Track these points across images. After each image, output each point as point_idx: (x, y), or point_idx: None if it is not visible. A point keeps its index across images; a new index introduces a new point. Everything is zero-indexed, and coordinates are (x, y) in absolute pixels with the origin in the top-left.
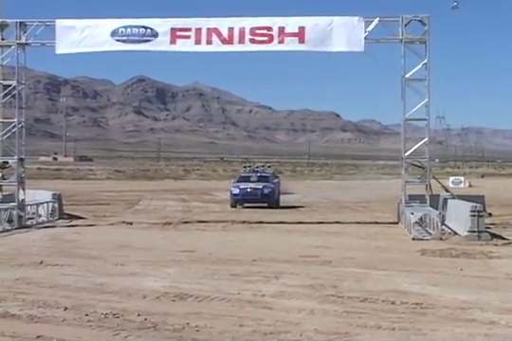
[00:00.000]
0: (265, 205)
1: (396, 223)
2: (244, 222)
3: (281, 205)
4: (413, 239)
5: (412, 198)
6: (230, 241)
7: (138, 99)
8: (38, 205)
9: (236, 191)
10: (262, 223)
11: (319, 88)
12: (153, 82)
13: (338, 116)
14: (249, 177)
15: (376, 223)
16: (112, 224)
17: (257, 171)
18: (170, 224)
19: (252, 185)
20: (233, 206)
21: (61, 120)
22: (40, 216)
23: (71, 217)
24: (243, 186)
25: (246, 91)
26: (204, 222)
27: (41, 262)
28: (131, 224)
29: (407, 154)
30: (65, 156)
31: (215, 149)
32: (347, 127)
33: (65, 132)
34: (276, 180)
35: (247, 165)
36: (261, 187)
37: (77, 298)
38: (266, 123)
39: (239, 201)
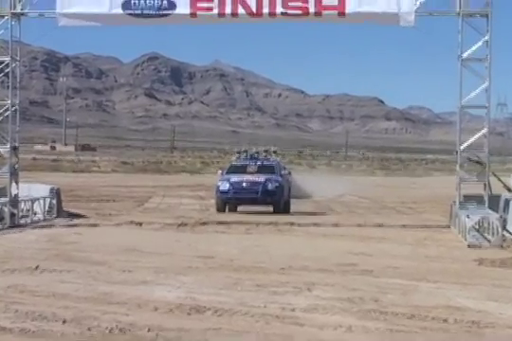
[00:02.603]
0: (268, 208)
1: (449, 227)
2: (270, 223)
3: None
4: (469, 246)
5: (468, 198)
6: (255, 245)
7: (150, 80)
8: (33, 201)
9: (225, 187)
10: (292, 224)
11: (359, 69)
12: (167, 61)
13: (381, 102)
14: (245, 167)
15: (425, 226)
16: (118, 225)
17: (256, 159)
18: (185, 225)
19: (250, 177)
20: (221, 209)
21: (60, 103)
22: (35, 214)
23: (71, 215)
24: (235, 178)
25: (274, 72)
26: (224, 223)
27: (36, 268)
28: (140, 224)
29: (462, 148)
30: (65, 145)
31: (238, 138)
32: (392, 115)
33: (65, 117)
34: (285, 172)
35: (243, 150)
36: (262, 180)
37: (77, 310)
38: (298, 109)
39: (230, 201)
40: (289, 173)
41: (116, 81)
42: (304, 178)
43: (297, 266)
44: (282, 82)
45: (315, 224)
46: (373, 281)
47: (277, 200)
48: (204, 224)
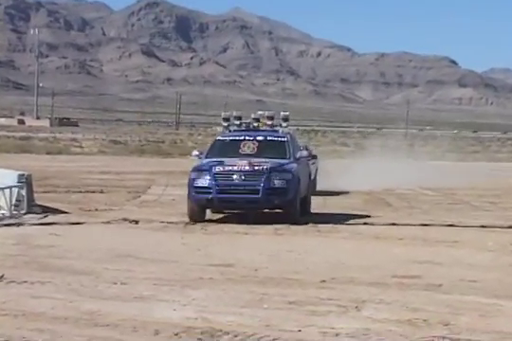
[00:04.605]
0: (274, 212)
1: None
2: (307, 222)
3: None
4: None
5: None
6: (287, 250)
7: (149, 34)
8: None
9: (204, 182)
10: (335, 223)
11: (423, 22)
12: (171, 8)
13: (453, 63)
14: (238, 145)
15: (511, 227)
16: (108, 223)
17: (256, 131)
18: (195, 223)
19: (245, 164)
20: (195, 216)
21: (30, 63)
22: None
23: (46, 210)
24: (221, 167)
25: (312, 24)
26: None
27: (1, 278)
28: (136, 222)
29: None
30: (37, 119)
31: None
32: (467, 80)
33: (37, 81)
34: (303, 153)
35: (234, 115)
36: (266, 168)
37: (55, 333)
38: (343, 73)
39: (211, 206)
40: (313, 156)
41: (104, 35)
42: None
43: (341, 278)
44: (322, 37)
45: (365, 224)
46: (441, 299)
47: (289, 201)
48: (219, 221)
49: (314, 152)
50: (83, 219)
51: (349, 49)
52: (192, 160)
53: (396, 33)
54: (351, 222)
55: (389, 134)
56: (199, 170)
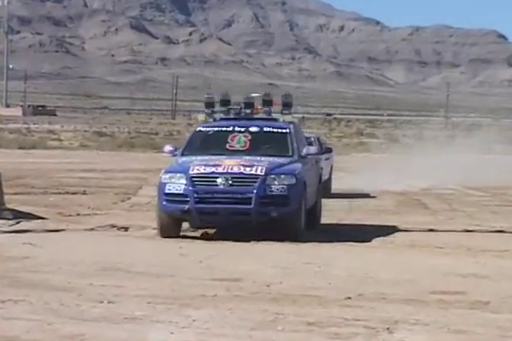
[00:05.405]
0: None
1: None
2: (329, 226)
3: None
4: None
5: None
6: (305, 262)
7: (139, 5)
8: None
9: (178, 186)
10: (362, 228)
11: None
12: None
13: (502, 38)
14: (225, 138)
15: None
16: (92, 230)
17: (249, 120)
18: (196, 229)
19: (233, 164)
20: (165, 233)
21: None
22: None
23: (19, 216)
24: (201, 167)
25: None
26: None
27: None
28: (126, 229)
29: None
30: (7, 107)
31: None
32: None
33: (7, 62)
34: (311, 150)
35: (223, 99)
36: (261, 170)
37: None
38: (371, 50)
39: (188, 217)
40: (327, 150)
41: (85, 7)
42: (376, 158)
43: (370, 294)
44: (345, 8)
45: (398, 230)
46: (490, 319)
47: (291, 213)
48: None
49: (328, 146)
50: (63, 225)
51: (377, 22)
52: (165, 155)
53: (434, 3)
54: (380, 227)
55: (425, 124)
56: (172, 171)
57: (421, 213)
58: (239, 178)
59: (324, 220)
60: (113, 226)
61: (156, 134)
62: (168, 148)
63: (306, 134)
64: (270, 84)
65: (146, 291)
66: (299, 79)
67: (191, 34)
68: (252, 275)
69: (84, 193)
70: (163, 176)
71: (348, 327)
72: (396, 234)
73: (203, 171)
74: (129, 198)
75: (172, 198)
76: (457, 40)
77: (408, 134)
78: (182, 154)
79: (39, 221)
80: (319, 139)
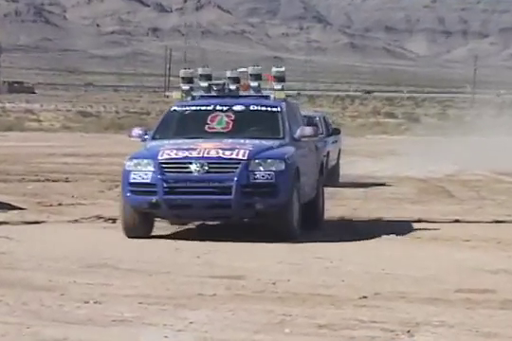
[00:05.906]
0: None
1: None
2: (341, 219)
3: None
4: None
5: None
6: (316, 257)
7: None
8: None
9: (145, 174)
10: (377, 220)
11: None
12: None
13: None
14: (204, 118)
15: None
16: (76, 222)
17: (234, 98)
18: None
19: (211, 147)
20: (131, 231)
21: None
22: None
23: None
24: (173, 152)
25: None
26: None
27: None
28: (114, 221)
29: None
30: None
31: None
32: None
33: None
34: (306, 131)
35: (203, 74)
36: (241, 152)
37: None
38: (389, 19)
39: (157, 210)
40: (334, 131)
41: None
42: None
43: (388, 293)
44: None
45: (419, 221)
46: None
47: (280, 205)
48: None
49: (335, 126)
50: (43, 217)
51: None
52: (132, 139)
53: None
54: (395, 217)
55: (449, 101)
56: (138, 157)
57: (445, 202)
58: (217, 163)
59: (336, 210)
60: (99, 218)
61: (148, 113)
62: (136, 131)
63: (311, 113)
64: (275, 58)
65: (137, 290)
66: (307, 51)
67: (186, 1)
68: (256, 271)
69: (67, 181)
70: (127, 163)
71: (364, 329)
72: (417, 225)
73: (174, 156)
74: (117, 186)
75: (137, 188)
76: (486, 6)
77: (430, 113)
78: (153, 138)
79: (16, 211)
80: (325, 119)
